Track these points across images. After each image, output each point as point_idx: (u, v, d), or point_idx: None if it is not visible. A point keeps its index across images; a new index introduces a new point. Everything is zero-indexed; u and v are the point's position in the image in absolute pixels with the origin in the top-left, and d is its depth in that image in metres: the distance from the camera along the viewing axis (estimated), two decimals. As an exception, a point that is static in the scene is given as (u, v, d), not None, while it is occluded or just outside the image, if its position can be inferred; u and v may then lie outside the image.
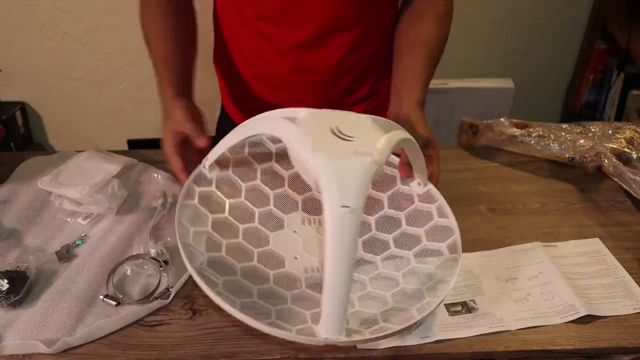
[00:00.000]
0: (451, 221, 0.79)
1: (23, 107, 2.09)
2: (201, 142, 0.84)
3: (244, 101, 1.13)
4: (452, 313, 0.79)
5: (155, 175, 0.99)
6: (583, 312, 0.77)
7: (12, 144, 2.02)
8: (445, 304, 0.80)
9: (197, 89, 0.99)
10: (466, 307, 0.80)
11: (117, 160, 1.01)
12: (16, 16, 1.92)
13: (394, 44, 1.01)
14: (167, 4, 0.99)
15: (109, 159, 1.01)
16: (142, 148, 1.06)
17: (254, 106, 1.09)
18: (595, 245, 0.89)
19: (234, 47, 1.07)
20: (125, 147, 2.12)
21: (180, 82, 0.94)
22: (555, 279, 0.83)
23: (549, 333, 0.76)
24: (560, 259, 0.86)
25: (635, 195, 0.97)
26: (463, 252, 0.87)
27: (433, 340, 0.75)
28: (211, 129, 1.31)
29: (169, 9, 0.99)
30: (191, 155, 0.85)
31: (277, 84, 1.05)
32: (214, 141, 1.28)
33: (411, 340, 0.75)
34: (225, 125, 1.20)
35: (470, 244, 0.89)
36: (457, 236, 0.77)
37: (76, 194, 0.91)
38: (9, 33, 1.95)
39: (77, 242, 0.88)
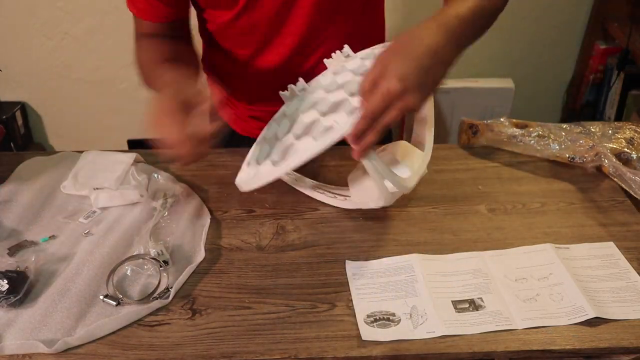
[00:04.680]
0: None
1: (23, 107, 2.09)
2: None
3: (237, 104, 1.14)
4: (459, 310, 0.79)
5: (155, 175, 0.99)
6: (592, 314, 0.77)
7: (12, 144, 2.02)
8: (452, 301, 0.80)
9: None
10: (473, 305, 0.80)
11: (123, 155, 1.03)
12: (16, 16, 1.92)
13: None
14: (162, 44, 0.97)
15: (116, 154, 1.02)
16: (142, 148, 1.07)
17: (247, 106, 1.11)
18: (609, 249, 0.89)
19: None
20: (125, 147, 2.12)
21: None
22: (566, 280, 0.82)
23: (549, 333, 0.76)
24: (572, 261, 0.86)
25: (635, 195, 0.97)
26: (463, 251, 0.88)
27: (439, 335, 0.75)
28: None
29: (164, 48, 0.97)
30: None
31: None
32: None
33: (416, 335, 0.75)
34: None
35: (469, 244, 0.89)
36: None
37: (112, 182, 0.94)
38: (9, 33, 1.95)
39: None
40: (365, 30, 1.04)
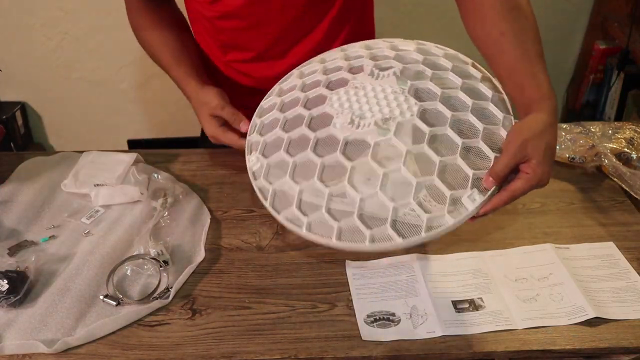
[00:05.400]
0: None
1: (23, 107, 2.09)
2: (244, 126, 0.89)
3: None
4: (459, 310, 0.79)
5: (155, 175, 0.99)
6: (592, 315, 0.77)
7: (12, 144, 2.02)
8: (452, 301, 0.80)
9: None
10: (473, 305, 0.80)
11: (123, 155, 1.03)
12: (16, 16, 1.92)
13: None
14: (152, 13, 1.02)
15: (117, 154, 1.03)
16: (142, 148, 1.07)
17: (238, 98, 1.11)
18: (609, 249, 0.89)
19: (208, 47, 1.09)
20: (126, 147, 2.12)
21: (195, 73, 0.98)
22: (566, 280, 0.83)
23: (549, 333, 0.76)
24: (572, 261, 0.86)
25: (635, 195, 0.97)
26: (463, 251, 0.88)
27: (439, 335, 0.75)
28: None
29: (154, 17, 1.02)
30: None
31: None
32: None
33: (416, 335, 0.75)
34: None
35: (469, 244, 0.89)
36: None
37: (113, 180, 0.95)
38: (9, 33, 1.95)
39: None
40: (353, 15, 1.03)
